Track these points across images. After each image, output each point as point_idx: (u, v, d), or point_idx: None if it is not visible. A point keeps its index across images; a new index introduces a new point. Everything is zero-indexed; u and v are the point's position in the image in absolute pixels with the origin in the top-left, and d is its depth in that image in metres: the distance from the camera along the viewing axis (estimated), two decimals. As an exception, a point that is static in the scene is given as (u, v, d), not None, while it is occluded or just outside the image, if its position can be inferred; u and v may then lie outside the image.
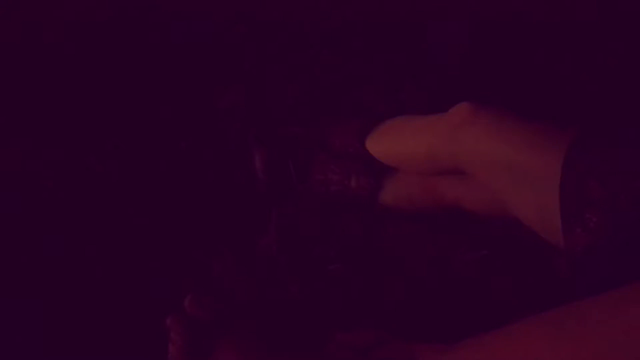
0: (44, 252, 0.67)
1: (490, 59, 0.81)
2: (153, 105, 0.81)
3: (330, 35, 0.86)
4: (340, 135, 0.66)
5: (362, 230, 0.66)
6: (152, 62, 0.86)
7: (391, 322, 0.60)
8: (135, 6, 0.92)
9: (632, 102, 0.74)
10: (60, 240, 0.68)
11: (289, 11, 0.90)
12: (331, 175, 0.67)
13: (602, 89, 0.76)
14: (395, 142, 0.61)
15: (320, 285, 0.63)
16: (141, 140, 0.77)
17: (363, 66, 0.82)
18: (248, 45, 0.87)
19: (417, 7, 0.87)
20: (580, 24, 0.83)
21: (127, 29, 0.90)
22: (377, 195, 0.65)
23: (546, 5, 0.85)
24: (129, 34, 0.89)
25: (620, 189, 0.47)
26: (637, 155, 0.48)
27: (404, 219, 0.65)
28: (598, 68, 0.78)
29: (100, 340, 0.60)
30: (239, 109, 0.75)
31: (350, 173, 0.66)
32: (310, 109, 0.78)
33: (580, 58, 0.80)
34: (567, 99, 0.76)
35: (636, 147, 0.48)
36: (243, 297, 0.62)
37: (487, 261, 0.62)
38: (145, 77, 0.84)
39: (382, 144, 0.62)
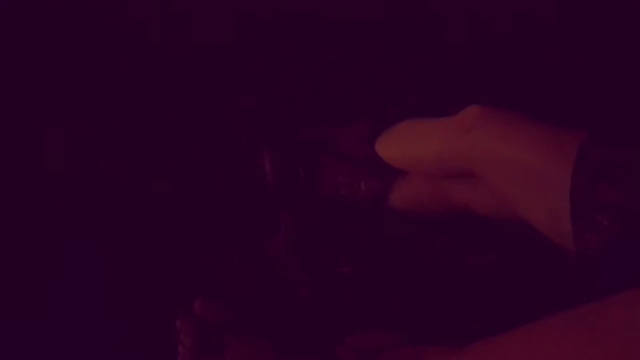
0: (54, 254, 0.67)
1: (499, 61, 0.81)
2: (164, 108, 0.81)
3: (339, 39, 0.86)
4: (349, 138, 0.67)
5: (371, 233, 0.66)
6: (163, 66, 0.86)
7: (400, 324, 0.60)
8: (147, 9, 0.92)
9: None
10: (70, 242, 0.68)
11: (298, 14, 0.90)
12: (340, 178, 0.67)
13: (613, 91, 0.76)
14: (405, 145, 0.61)
15: (329, 288, 0.63)
16: (151, 144, 0.77)
17: (372, 69, 0.82)
18: (258, 48, 0.87)
19: (428, 10, 0.87)
20: (587, 25, 0.83)
21: (138, 32, 0.90)
22: (386, 198, 0.65)
23: (554, 6, 0.84)
24: (140, 37, 0.89)
25: (631, 191, 0.47)
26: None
27: (413, 222, 0.65)
28: (609, 70, 0.78)
29: (111, 341, 0.60)
30: (249, 113, 0.75)
31: (359, 176, 0.66)
32: (320, 112, 0.78)
33: (591, 60, 0.79)
34: (577, 101, 0.75)
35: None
36: (252, 300, 0.62)
37: (496, 264, 0.62)
38: (156, 80, 0.84)
39: (391, 146, 0.62)
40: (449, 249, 0.64)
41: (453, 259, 0.63)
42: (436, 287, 0.62)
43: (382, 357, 0.56)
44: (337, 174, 0.67)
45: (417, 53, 0.83)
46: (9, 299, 0.64)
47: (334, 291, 0.63)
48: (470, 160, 0.55)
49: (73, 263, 0.67)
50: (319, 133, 0.70)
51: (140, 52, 0.87)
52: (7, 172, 0.76)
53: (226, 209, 0.70)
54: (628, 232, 0.46)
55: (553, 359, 0.42)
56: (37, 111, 0.82)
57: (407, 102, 0.77)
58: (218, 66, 0.86)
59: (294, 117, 0.78)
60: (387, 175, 0.65)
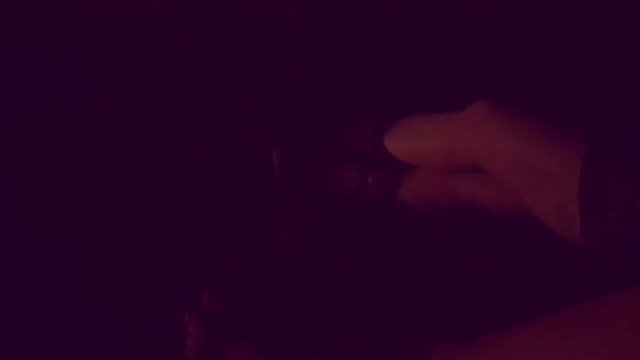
0: (62, 250, 0.68)
1: (507, 56, 0.81)
2: (170, 104, 0.81)
3: (345, 33, 0.86)
4: (357, 133, 0.67)
5: (378, 229, 0.66)
6: (169, 61, 0.86)
7: (405, 320, 0.60)
8: (152, 3, 0.92)
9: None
10: (78, 238, 0.68)
11: (304, 10, 0.90)
12: (348, 173, 0.67)
13: (621, 89, 0.76)
14: (412, 139, 0.61)
15: (335, 283, 0.63)
16: (158, 140, 0.77)
17: (379, 63, 0.82)
18: (265, 44, 0.87)
19: (435, 3, 0.87)
20: (596, 22, 0.82)
21: (144, 27, 0.90)
22: (394, 193, 0.65)
23: (563, 3, 0.84)
24: (146, 33, 0.90)
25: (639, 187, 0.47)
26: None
27: (420, 217, 0.65)
28: (616, 68, 0.78)
29: (120, 335, 0.60)
30: (256, 108, 0.75)
31: (367, 171, 0.66)
32: (327, 107, 0.78)
33: (599, 57, 0.79)
34: (585, 98, 0.75)
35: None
36: (259, 295, 0.62)
37: (503, 260, 0.62)
38: (163, 76, 0.84)
39: (399, 141, 0.62)
40: (456, 243, 0.64)
41: (460, 253, 0.63)
42: (443, 282, 0.62)
43: (387, 353, 0.56)
44: (344, 169, 0.67)
45: (425, 47, 0.83)
46: (19, 296, 0.65)
47: (340, 286, 0.63)
48: (478, 155, 0.55)
49: (80, 259, 0.67)
50: (327, 128, 0.70)
51: (147, 46, 0.88)
52: (12, 170, 0.76)
53: (233, 204, 0.71)
54: (636, 227, 0.46)
55: (560, 355, 0.42)
56: (40, 107, 0.83)
57: (415, 96, 0.77)
58: (225, 61, 0.86)
59: (302, 113, 0.78)
60: (394, 169, 0.65)
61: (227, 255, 0.66)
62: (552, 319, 0.45)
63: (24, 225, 0.71)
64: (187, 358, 0.55)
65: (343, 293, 0.63)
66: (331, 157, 0.68)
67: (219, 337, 0.55)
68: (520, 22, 0.84)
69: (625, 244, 0.46)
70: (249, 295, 0.62)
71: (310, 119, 0.73)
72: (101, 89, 0.83)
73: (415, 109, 0.64)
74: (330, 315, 0.61)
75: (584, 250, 0.48)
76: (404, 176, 0.64)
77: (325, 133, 0.69)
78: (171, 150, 0.76)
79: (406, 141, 0.62)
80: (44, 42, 0.88)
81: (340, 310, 0.62)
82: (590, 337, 0.41)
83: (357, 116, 0.68)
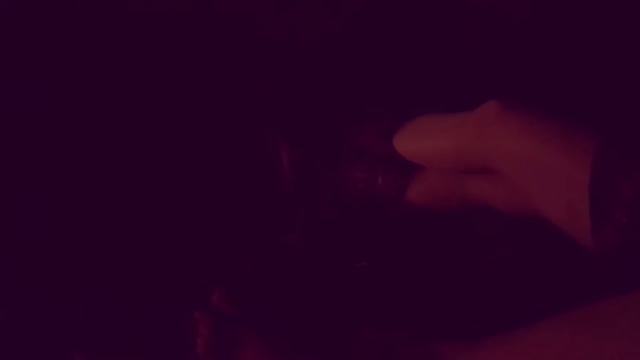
0: (74, 245, 0.68)
1: (518, 55, 0.81)
2: (182, 102, 0.81)
3: (356, 33, 0.86)
4: (367, 133, 0.67)
5: (388, 229, 0.66)
6: (181, 60, 0.86)
7: (416, 320, 0.60)
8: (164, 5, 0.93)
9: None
10: (90, 234, 0.69)
11: (314, 10, 0.90)
12: (358, 173, 0.67)
13: (634, 87, 0.75)
14: (423, 140, 0.61)
15: (346, 283, 0.63)
16: (169, 138, 0.77)
17: (390, 64, 0.82)
18: (275, 43, 0.87)
19: (446, 3, 0.87)
20: (608, 22, 0.82)
21: (151, 27, 0.91)
22: (404, 193, 0.65)
23: (574, 3, 0.84)
24: (152, 33, 0.90)
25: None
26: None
27: (430, 217, 0.65)
28: (628, 67, 0.78)
29: (130, 333, 0.61)
30: (267, 108, 0.75)
31: (376, 171, 0.66)
32: (338, 106, 0.78)
33: (610, 56, 0.79)
34: (597, 97, 0.75)
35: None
36: (269, 294, 0.63)
37: (513, 260, 0.62)
38: (175, 74, 0.85)
39: (409, 142, 0.62)
40: (466, 244, 0.64)
41: (471, 254, 0.63)
42: (453, 282, 0.62)
43: (397, 352, 0.56)
44: (354, 169, 0.67)
45: (436, 47, 0.83)
46: (29, 294, 0.65)
47: (350, 286, 0.63)
48: (488, 156, 0.55)
49: (92, 257, 0.68)
50: (337, 128, 0.70)
51: (154, 47, 0.88)
52: (28, 166, 0.77)
53: (244, 203, 0.71)
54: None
55: (569, 355, 0.42)
56: (50, 107, 0.83)
57: (425, 96, 0.77)
58: (236, 61, 0.86)
59: (312, 112, 0.78)
60: (404, 170, 0.65)
61: (238, 254, 0.66)
62: (562, 320, 0.45)
63: (28, 223, 0.71)
64: (197, 356, 0.55)
65: (353, 292, 0.63)
66: (341, 157, 0.68)
67: (229, 336, 0.55)
68: (531, 21, 0.83)
69: (636, 246, 0.46)
70: (259, 294, 0.62)
71: (321, 118, 0.73)
72: (109, 89, 0.84)
73: (425, 109, 0.64)
74: (340, 315, 0.61)
75: (594, 251, 0.48)
76: (413, 176, 0.64)
77: (335, 133, 0.69)
78: (181, 152, 0.76)
79: (415, 142, 0.62)
80: (45, 43, 0.89)
81: (350, 310, 0.62)
82: (599, 339, 0.41)
83: (367, 116, 0.68)
